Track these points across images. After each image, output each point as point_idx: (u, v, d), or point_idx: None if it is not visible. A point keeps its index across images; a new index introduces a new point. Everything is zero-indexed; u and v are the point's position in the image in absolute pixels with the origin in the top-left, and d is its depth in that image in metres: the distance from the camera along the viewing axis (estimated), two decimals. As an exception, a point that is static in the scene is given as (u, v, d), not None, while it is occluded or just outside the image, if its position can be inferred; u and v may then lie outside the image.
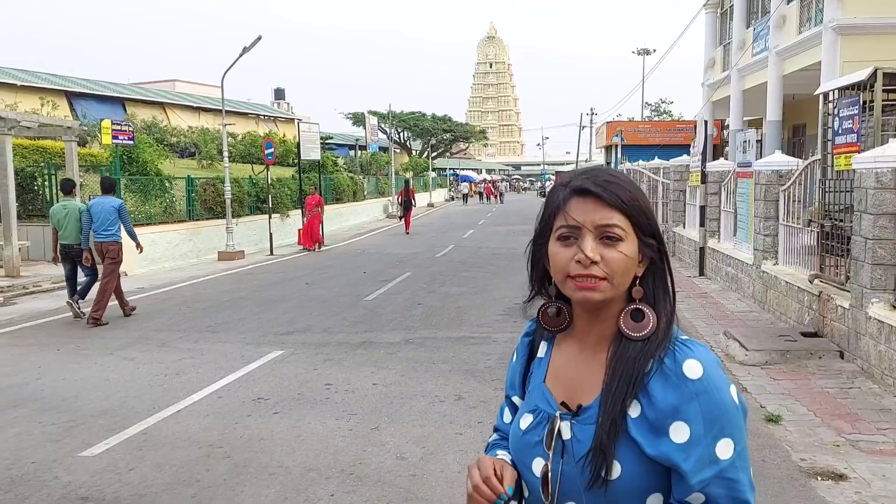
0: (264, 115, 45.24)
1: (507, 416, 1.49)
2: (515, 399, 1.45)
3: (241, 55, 18.37)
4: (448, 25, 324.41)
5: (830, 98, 8.16)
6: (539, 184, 77.13)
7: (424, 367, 7.14)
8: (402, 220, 27.42)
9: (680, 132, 31.24)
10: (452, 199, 62.97)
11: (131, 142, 16.61)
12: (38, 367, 7.40)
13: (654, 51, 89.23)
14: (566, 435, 1.28)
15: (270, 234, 19.34)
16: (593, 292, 1.24)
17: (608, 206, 1.24)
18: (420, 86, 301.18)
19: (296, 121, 35.96)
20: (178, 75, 56.71)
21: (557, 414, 1.30)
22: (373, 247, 21.18)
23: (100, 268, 10.01)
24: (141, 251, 10.82)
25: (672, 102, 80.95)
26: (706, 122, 13.72)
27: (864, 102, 7.28)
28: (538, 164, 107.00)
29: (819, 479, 4.38)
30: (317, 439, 5.14)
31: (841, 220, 7.58)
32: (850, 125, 7.29)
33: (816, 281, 7.88)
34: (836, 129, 7.64)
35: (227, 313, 10.44)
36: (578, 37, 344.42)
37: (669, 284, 1.32)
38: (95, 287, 9.94)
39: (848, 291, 7.04)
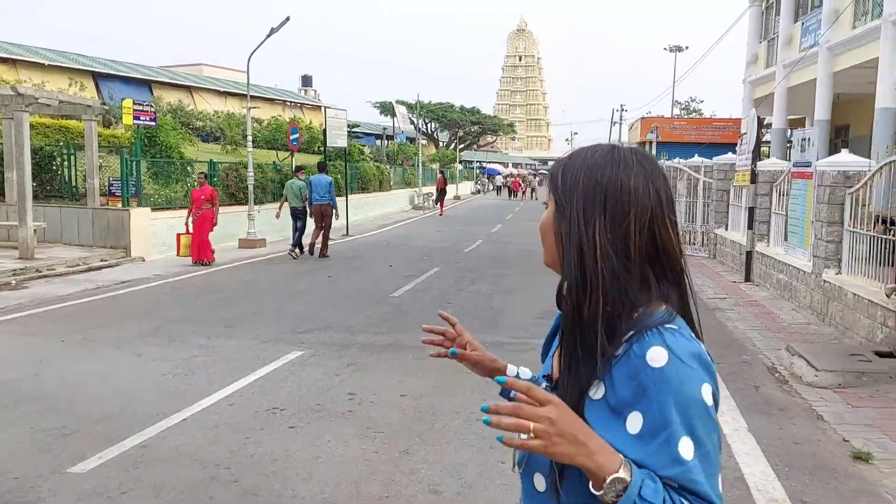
0: (291, 102, 44.74)
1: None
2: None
3: (268, 36, 17.79)
4: (478, 17, 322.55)
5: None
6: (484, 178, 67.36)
7: (458, 377, 6.36)
8: (437, 204, 33.72)
9: (718, 130, 30.19)
10: (479, 192, 62.19)
11: (153, 123, 16.13)
12: (40, 361, 6.85)
13: (687, 48, 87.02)
14: None
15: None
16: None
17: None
18: (448, 77, 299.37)
19: (322, 108, 35.39)
20: (206, 59, 56.60)
21: (544, 385, 1.31)
22: (399, 238, 20.55)
23: (310, 221, 15.28)
24: (338, 218, 15.73)
25: (702, 101, 78.89)
26: (758, 118, 12.86)
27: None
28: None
29: (935, 540, 3.67)
30: (337, 463, 4.50)
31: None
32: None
33: (894, 295, 7.10)
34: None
35: (244, 306, 9.86)
36: (609, 32, 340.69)
37: None
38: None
39: (935, 309, 6.27)
